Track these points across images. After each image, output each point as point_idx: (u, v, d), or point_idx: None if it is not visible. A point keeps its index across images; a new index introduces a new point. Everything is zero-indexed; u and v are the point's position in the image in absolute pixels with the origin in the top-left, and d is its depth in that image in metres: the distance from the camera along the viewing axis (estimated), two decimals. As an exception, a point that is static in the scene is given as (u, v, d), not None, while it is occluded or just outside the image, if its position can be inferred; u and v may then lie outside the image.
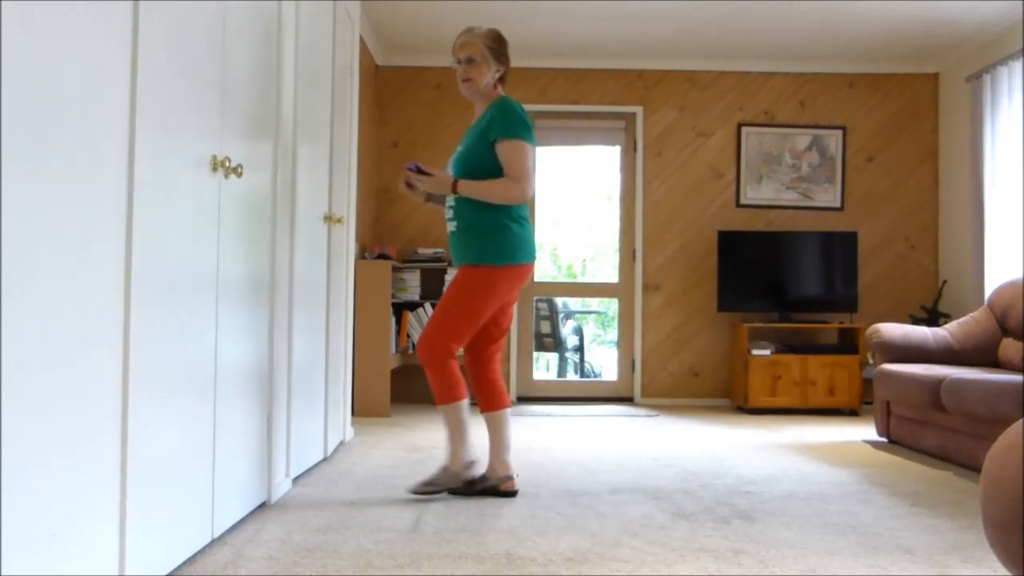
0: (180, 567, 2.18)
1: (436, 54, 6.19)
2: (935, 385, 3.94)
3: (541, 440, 4.49)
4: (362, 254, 5.70)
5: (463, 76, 3.16)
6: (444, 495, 3.12)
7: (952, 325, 4.74)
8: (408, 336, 5.78)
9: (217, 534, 2.43)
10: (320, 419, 3.67)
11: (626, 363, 6.43)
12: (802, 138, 6.41)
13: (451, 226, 3.14)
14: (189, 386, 2.19)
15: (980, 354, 4.58)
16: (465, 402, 3.10)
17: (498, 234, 3.04)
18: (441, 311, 3.05)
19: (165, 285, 2.03)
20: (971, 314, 4.80)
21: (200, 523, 2.30)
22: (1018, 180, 5.26)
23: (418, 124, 6.37)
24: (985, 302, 4.83)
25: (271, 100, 2.90)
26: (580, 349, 7.46)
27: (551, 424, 5.14)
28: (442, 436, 4.53)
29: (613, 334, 6.75)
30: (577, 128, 6.50)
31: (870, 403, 6.21)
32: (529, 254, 3.11)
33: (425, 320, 5.74)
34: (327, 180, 3.78)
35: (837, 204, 6.39)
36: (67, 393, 1.61)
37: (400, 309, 5.79)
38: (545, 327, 6.83)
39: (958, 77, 6.15)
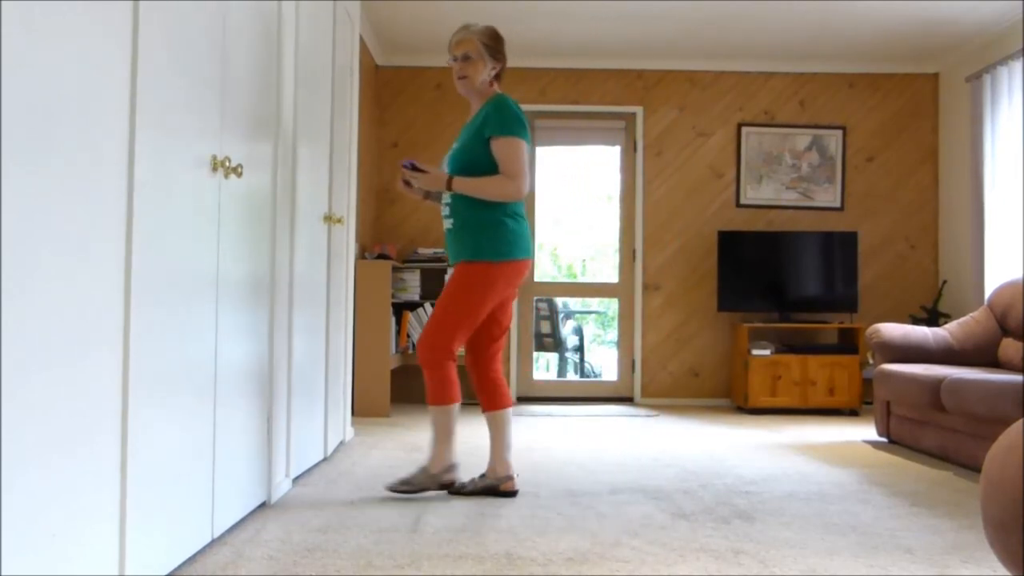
0: (180, 567, 2.18)
1: (436, 54, 6.19)
2: (935, 385, 3.94)
3: (541, 440, 4.49)
4: (362, 254, 5.70)
5: (459, 73, 3.16)
6: (444, 495, 3.12)
7: (952, 325, 4.74)
8: (408, 336, 5.78)
9: (217, 534, 2.43)
10: (320, 419, 3.67)
11: (626, 363, 6.43)
12: (802, 138, 6.41)
13: (447, 223, 3.15)
14: (189, 386, 2.19)
15: (980, 354, 4.58)
16: (456, 407, 3.10)
17: (494, 230, 3.04)
18: (440, 310, 3.05)
19: (165, 285, 2.03)
20: (971, 314, 4.80)
21: (200, 523, 2.30)
22: (1018, 180, 5.26)
23: (418, 124, 6.37)
24: (985, 302, 4.83)
25: (271, 100, 2.90)
26: (580, 349, 7.46)
27: (551, 424, 5.14)
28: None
29: (613, 334, 6.75)
30: (577, 128, 6.50)
31: (870, 403, 6.21)
32: (525, 250, 3.11)
33: (425, 320, 5.74)
34: (327, 180, 3.78)
35: (837, 204, 6.39)
36: (67, 393, 1.61)
37: (400, 309, 5.79)
38: (545, 327, 6.83)
39: (958, 77, 6.15)
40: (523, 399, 6.31)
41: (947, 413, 3.90)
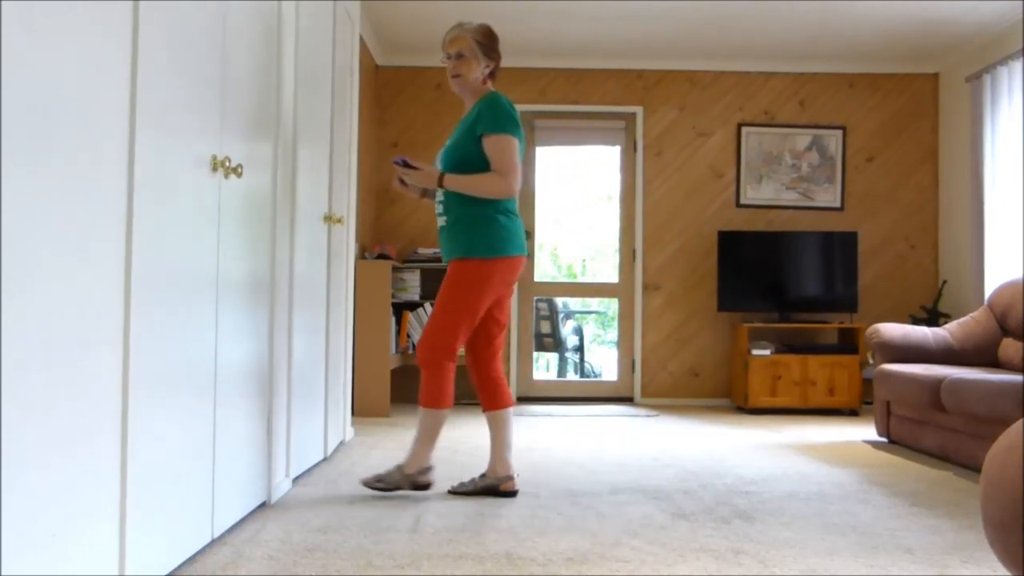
0: (180, 567, 2.18)
1: (436, 54, 6.18)
2: (935, 385, 3.94)
3: (541, 440, 4.49)
4: (362, 254, 5.70)
5: (452, 72, 3.17)
6: (444, 495, 3.12)
7: (952, 325, 4.74)
8: (408, 336, 5.77)
9: (217, 534, 2.43)
10: (320, 419, 3.67)
11: (626, 363, 6.43)
12: (802, 138, 6.41)
13: (440, 220, 3.15)
14: (189, 386, 2.19)
15: (980, 354, 4.58)
16: (446, 412, 3.11)
17: (486, 227, 3.04)
18: (438, 311, 3.06)
19: (165, 285, 2.03)
20: (971, 314, 4.80)
21: (200, 523, 2.30)
22: (1018, 180, 5.26)
23: (418, 124, 6.37)
24: (985, 302, 4.83)
25: (271, 100, 2.90)
26: (580, 349, 7.46)
27: (551, 424, 5.14)
28: (444, 436, 4.53)
29: (613, 334, 6.75)
30: (577, 128, 6.50)
31: (870, 403, 6.21)
32: (518, 247, 3.11)
33: (425, 320, 5.74)
34: (327, 180, 3.78)
35: (837, 204, 6.39)
36: (67, 393, 1.61)
37: (400, 309, 5.79)
38: (545, 327, 6.83)
39: (958, 77, 6.15)
40: (523, 399, 6.31)
41: (947, 413, 3.90)
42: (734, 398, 6.16)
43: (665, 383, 6.34)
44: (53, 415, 1.56)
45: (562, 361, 7.31)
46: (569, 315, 7.45)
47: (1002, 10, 5.29)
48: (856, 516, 2.88)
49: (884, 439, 4.60)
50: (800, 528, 2.71)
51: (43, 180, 1.52)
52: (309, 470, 3.51)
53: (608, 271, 6.74)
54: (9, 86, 1.42)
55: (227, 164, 2.39)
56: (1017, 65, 5.32)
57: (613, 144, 6.49)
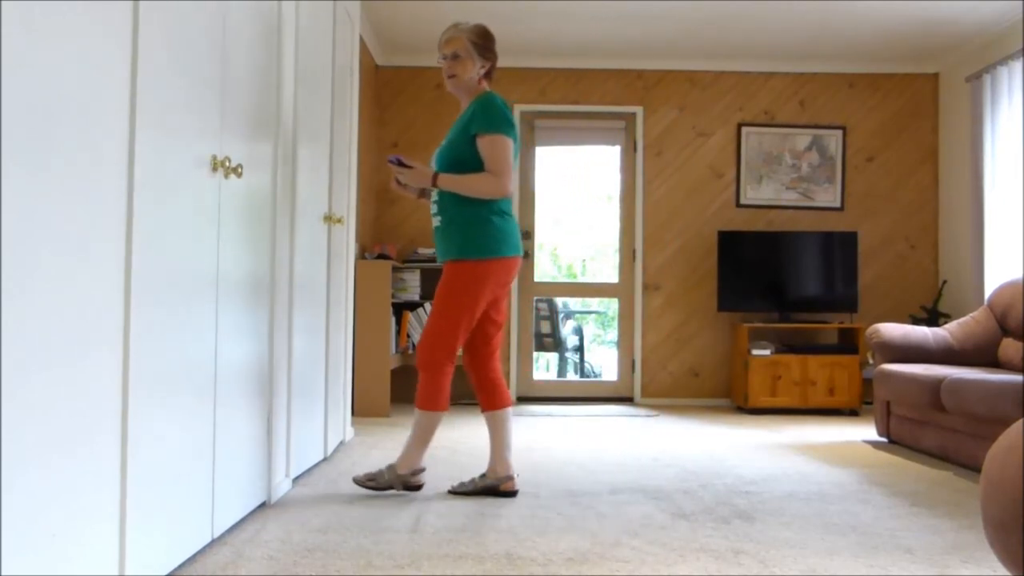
0: (180, 567, 2.18)
1: (436, 54, 6.12)
2: (935, 385, 3.94)
3: (541, 440, 4.49)
4: (362, 254, 5.70)
5: (448, 72, 3.17)
6: (444, 495, 3.12)
7: (952, 325, 4.74)
8: (408, 336, 5.77)
9: (217, 534, 2.43)
10: (320, 419, 3.67)
11: (626, 363, 6.43)
12: (802, 138, 6.41)
13: (435, 221, 3.16)
14: (189, 386, 2.19)
15: (980, 354, 4.58)
16: (442, 415, 3.11)
17: (480, 228, 3.04)
18: (435, 314, 3.07)
19: (165, 285, 2.03)
20: (971, 314, 4.80)
21: (200, 523, 2.30)
22: (1018, 180, 5.26)
23: (418, 124, 6.37)
24: (985, 302, 4.83)
25: (271, 100, 2.90)
26: (580, 349, 7.46)
27: (551, 424, 5.14)
28: (443, 436, 4.54)
29: (613, 334, 6.75)
30: (577, 128, 6.50)
31: (870, 403, 6.21)
32: (513, 247, 3.11)
33: (425, 320, 5.74)
34: (327, 180, 3.78)
35: (837, 204, 6.39)
36: (67, 393, 1.61)
37: (400, 309, 5.79)
38: (545, 327, 6.83)
39: (958, 77, 6.15)
40: (523, 399, 6.31)
41: (947, 413, 3.90)
42: (734, 398, 6.16)
43: (665, 383, 6.34)
44: (53, 415, 1.56)
45: (562, 361, 7.31)
46: (569, 315, 7.45)
47: (1002, 10, 5.29)
48: (856, 516, 2.88)
49: (884, 439, 4.60)
50: (800, 528, 2.71)
51: (43, 180, 1.52)
52: (309, 470, 3.51)
53: (608, 271, 6.74)
54: (9, 86, 1.42)
55: (227, 164, 2.39)
56: (1017, 65, 5.32)
57: (613, 144, 6.49)
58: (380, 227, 6.33)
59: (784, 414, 5.78)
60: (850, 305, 6.08)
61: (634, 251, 6.40)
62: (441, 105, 6.34)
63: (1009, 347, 4.51)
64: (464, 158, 3.07)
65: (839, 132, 6.41)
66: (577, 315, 7.58)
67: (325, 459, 3.78)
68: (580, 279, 7.30)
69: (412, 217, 6.33)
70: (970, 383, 3.66)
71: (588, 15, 5.46)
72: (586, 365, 7.51)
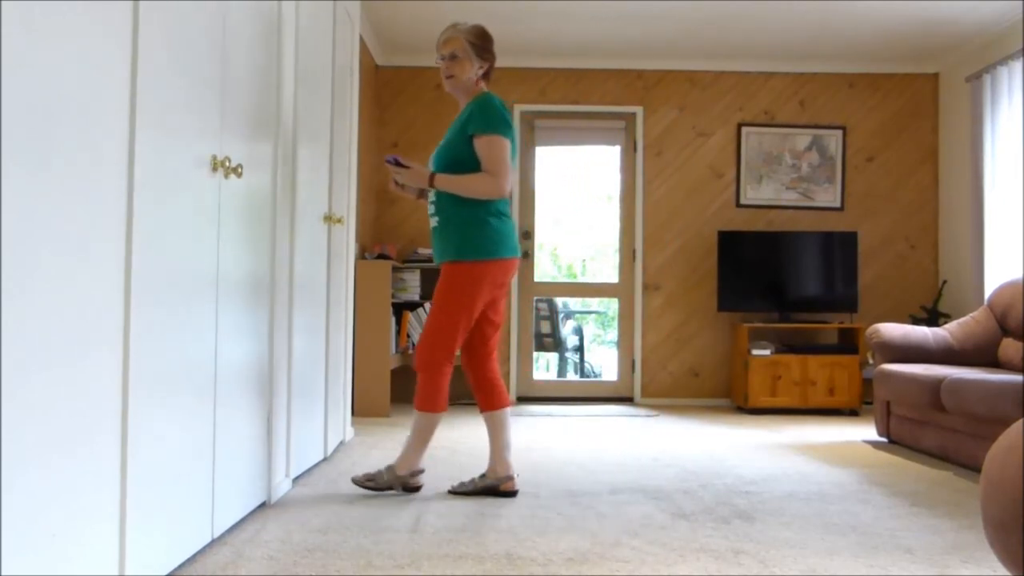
0: (180, 567, 2.18)
1: (436, 54, 6.18)
2: (935, 385, 3.94)
3: (541, 440, 4.49)
4: (362, 254, 5.70)
5: (446, 72, 3.18)
6: (444, 495, 3.12)
7: (952, 325, 4.74)
8: (408, 336, 5.77)
9: (217, 534, 2.43)
10: (320, 419, 3.67)
11: (626, 363, 6.43)
12: (802, 138, 6.41)
13: (433, 221, 3.16)
14: (189, 386, 2.19)
15: (980, 354, 4.58)
16: (441, 416, 3.11)
17: (478, 229, 3.05)
18: (434, 315, 3.07)
19: (165, 285, 2.03)
20: (971, 314, 4.80)
21: (200, 523, 2.30)
22: (1018, 180, 5.26)
23: (418, 124, 6.37)
24: (985, 302, 4.83)
25: (271, 100, 2.90)
26: (580, 349, 7.46)
27: (551, 424, 5.14)
28: (443, 436, 4.54)
29: (613, 334, 6.75)
30: (577, 128, 6.50)
31: (870, 403, 6.21)
32: (510, 248, 3.11)
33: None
34: (327, 180, 3.78)
35: (837, 204, 6.39)
36: (67, 393, 1.61)
37: (400, 309, 5.79)
38: (545, 327, 6.83)
39: (958, 77, 6.15)
40: (523, 399, 6.31)
41: (947, 413, 3.90)
42: (734, 398, 6.16)
43: (665, 383, 6.34)
44: (53, 415, 1.56)
45: (562, 361, 7.31)
46: (569, 315, 7.45)
47: (1002, 10, 5.29)
48: (856, 516, 2.88)
49: (884, 439, 4.60)
50: (800, 528, 2.71)
51: (43, 180, 1.52)
52: (309, 470, 3.51)
53: (608, 271, 6.74)
54: (9, 86, 1.42)
55: (227, 164, 2.39)
56: (1017, 65, 5.32)
57: (613, 144, 6.49)
58: (380, 227, 6.34)
59: (784, 414, 5.78)
60: (850, 305, 6.08)
61: (634, 251, 6.40)
62: (441, 105, 6.34)
63: (1009, 347, 4.51)
64: (462, 158, 3.07)
65: (839, 132, 6.41)
66: (577, 315, 7.58)
67: (325, 459, 3.78)
68: (580, 279, 7.30)
69: (412, 217, 6.33)
70: (970, 383, 3.66)
71: (588, 15, 5.46)
72: (586, 365, 7.51)
